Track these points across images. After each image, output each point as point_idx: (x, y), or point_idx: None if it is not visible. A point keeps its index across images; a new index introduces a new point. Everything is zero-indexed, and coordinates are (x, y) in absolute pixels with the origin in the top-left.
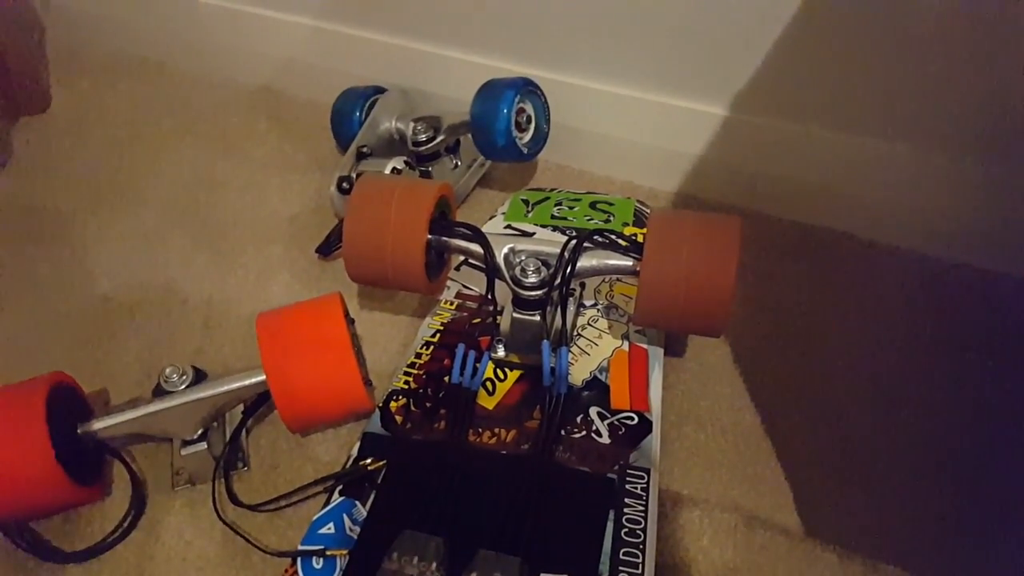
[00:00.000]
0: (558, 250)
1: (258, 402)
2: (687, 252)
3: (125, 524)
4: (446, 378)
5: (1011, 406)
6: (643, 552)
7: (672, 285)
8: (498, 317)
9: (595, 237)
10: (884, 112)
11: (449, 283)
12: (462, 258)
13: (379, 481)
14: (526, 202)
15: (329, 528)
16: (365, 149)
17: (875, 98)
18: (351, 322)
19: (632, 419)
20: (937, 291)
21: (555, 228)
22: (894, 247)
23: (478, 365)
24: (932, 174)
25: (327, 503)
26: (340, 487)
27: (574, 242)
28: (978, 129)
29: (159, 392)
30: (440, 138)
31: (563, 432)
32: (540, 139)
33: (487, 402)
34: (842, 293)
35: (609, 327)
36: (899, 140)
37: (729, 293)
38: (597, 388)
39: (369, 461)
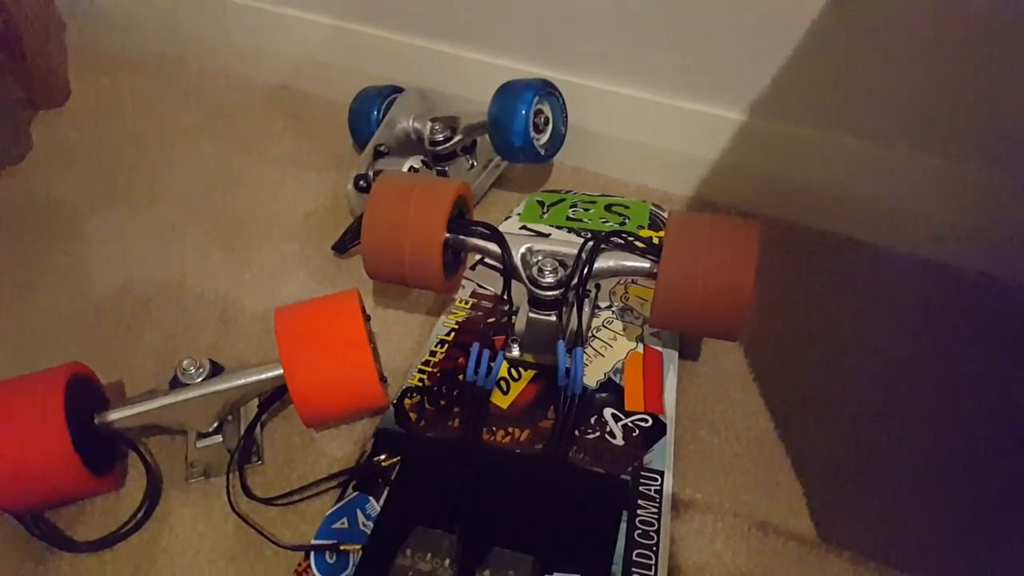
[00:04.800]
0: (575, 251)
1: (273, 396)
2: (705, 255)
3: (139, 515)
4: (460, 376)
5: None
6: (656, 554)
7: (690, 288)
8: (513, 316)
9: (612, 239)
10: (900, 118)
11: (464, 282)
12: (478, 257)
13: (393, 477)
14: (541, 203)
15: (342, 523)
16: (382, 148)
17: (891, 104)
18: (367, 318)
19: (646, 421)
20: (952, 297)
21: (570, 230)
22: (909, 253)
23: (492, 364)
24: (947, 182)
25: (341, 498)
26: (354, 482)
27: (592, 243)
28: (993, 137)
29: (176, 384)
30: (457, 138)
31: (577, 433)
32: (557, 141)
33: (501, 401)
34: (857, 299)
35: (624, 329)
36: (914, 147)
37: (747, 297)
38: (611, 390)
39: (383, 457)
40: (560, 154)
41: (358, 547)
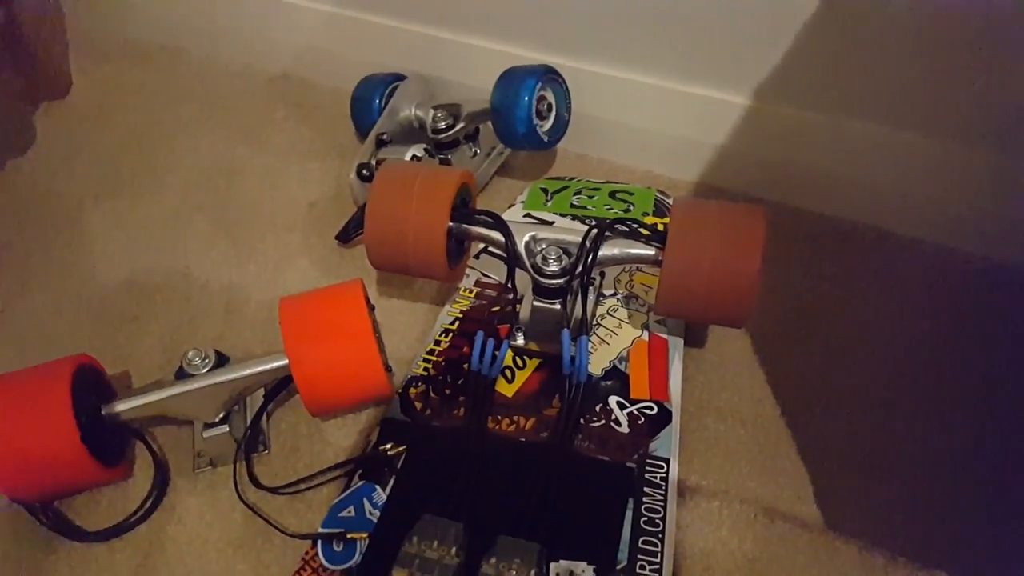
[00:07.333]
0: (579, 239)
1: (279, 386)
2: (711, 241)
3: (147, 505)
4: (465, 365)
5: None
6: (662, 541)
7: (695, 274)
8: (517, 305)
9: (617, 226)
10: (907, 103)
11: (468, 271)
12: (481, 246)
13: (399, 466)
14: (545, 191)
15: (349, 512)
16: (385, 136)
17: (899, 88)
18: (372, 308)
19: (652, 409)
20: (958, 283)
21: (574, 217)
22: (915, 239)
23: (497, 353)
24: (955, 166)
25: (347, 487)
26: (360, 471)
27: (596, 230)
28: (1002, 122)
29: (182, 375)
30: (460, 126)
31: (582, 421)
32: (560, 127)
33: (506, 390)
34: (863, 285)
35: (629, 317)
36: (923, 131)
37: (753, 283)
38: (616, 377)
39: (389, 446)
40: (564, 141)
41: (365, 535)
